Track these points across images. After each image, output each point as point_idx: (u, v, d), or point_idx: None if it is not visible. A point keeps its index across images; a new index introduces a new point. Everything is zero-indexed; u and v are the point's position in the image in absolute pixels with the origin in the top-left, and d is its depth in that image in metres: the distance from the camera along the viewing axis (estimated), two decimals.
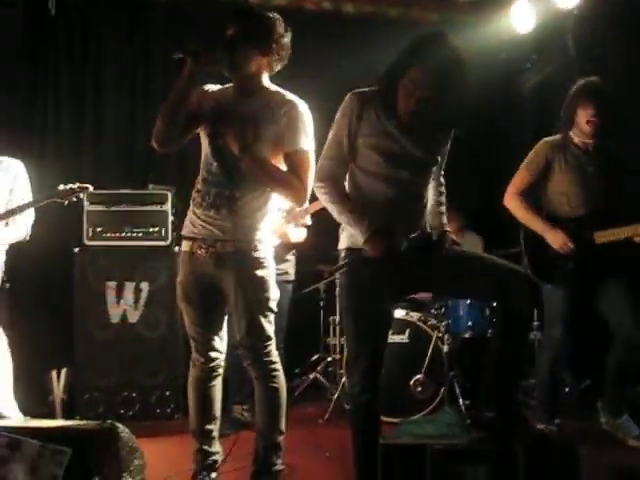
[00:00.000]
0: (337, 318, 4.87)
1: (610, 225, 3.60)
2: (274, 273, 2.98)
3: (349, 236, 2.81)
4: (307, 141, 2.86)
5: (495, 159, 5.38)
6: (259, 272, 2.87)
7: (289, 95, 2.91)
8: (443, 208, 2.97)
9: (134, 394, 4.38)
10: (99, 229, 4.48)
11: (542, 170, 3.80)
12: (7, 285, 3.89)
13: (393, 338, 4.38)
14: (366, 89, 2.76)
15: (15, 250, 4.01)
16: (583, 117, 3.72)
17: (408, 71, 2.60)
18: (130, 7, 5.37)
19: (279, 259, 4.27)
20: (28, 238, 3.99)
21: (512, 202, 3.84)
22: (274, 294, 2.95)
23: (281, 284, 4.24)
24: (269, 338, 2.94)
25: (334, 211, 2.73)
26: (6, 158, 4.02)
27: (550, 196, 3.82)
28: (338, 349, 4.92)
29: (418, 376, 4.31)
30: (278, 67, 2.94)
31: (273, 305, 2.94)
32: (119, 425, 2.72)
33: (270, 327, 2.94)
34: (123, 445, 2.70)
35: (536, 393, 4.03)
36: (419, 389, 4.30)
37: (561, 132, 3.83)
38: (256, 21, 2.87)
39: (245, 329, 2.87)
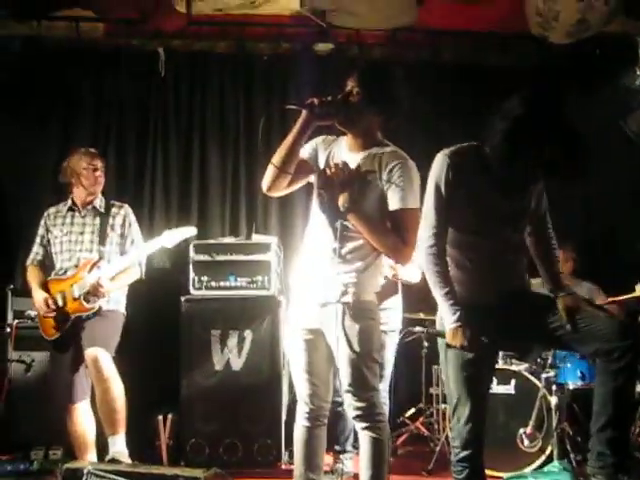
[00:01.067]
0: (439, 368, 4.78)
1: None
2: (379, 324, 2.98)
3: None
4: (413, 199, 2.83)
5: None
6: (362, 323, 2.87)
7: (398, 152, 2.90)
8: (555, 268, 2.92)
9: (237, 441, 4.41)
10: (204, 278, 4.60)
11: None
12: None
13: (498, 389, 4.27)
14: (461, 146, 2.77)
15: (127, 298, 4.20)
16: None
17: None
18: (233, 61, 5.58)
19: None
20: (144, 277, 4.18)
21: None
22: (378, 345, 2.94)
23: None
24: (374, 389, 2.92)
25: (433, 284, 2.74)
26: (117, 203, 4.24)
27: None
28: (441, 399, 4.83)
29: (525, 429, 4.16)
30: (392, 124, 2.94)
31: (377, 356, 2.92)
32: (223, 472, 2.76)
33: (374, 378, 2.92)
34: None
35: None
36: (526, 442, 4.15)
37: None
38: (380, 84, 2.86)
39: (349, 380, 2.86)
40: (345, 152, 2.95)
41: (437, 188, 2.73)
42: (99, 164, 4.15)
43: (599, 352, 2.63)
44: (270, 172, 2.91)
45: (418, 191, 2.85)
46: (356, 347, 2.82)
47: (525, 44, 5.38)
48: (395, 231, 2.83)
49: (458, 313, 2.67)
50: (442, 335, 2.78)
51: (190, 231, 4.14)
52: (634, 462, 3.11)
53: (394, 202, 2.82)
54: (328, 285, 2.86)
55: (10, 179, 5.32)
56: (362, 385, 2.86)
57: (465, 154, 2.75)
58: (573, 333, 2.68)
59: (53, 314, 3.94)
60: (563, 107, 2.64)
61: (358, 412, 2.88)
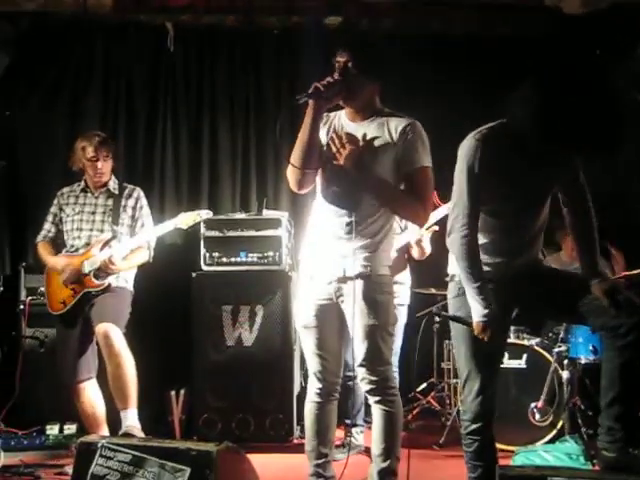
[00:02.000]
0: (451, 342, 4.78)
1: None
2: (393, 297, 3.00)
3: (453, 263, 2.82)
4: (427, 158, 2.87)
5: None
6: (380, 297, 2.88)
7: (404, 116, 2.92)
8: (592, 252, 2.80)
9: (249, 416, 4.44)
10: (215, 254, 4.61)
11: None
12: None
13: (510, 363, 4.27)
14: (490, 127, 2.70)
15: (138, 275, 4.22)
16: None
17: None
18: (242, 35, 5.53)
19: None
20: (151, 260, 4.20)
21: None
22: (394, 318, 2.96)
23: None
24: (388, 362, 2.93)
25: (465, 276, 2.69)
26: (129, 186, 4.27)
27: None
28: (452, 374, 4.84)
29: (537, 403, 4.16)
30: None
31: (392, 329, 2.94)
32: (236, 446, 2.78)
33: (389, 351, 2.93)
34: (239, 466, 2.75)
35: None
36: (537, 416, 4.16)
37: None
38: (370, 51, 2.89)
39: (364, 353, 2.87)
40: (348, 124, 2.95)
41: (470, 173, 2.63)
42: (101, 154, 4.09)
43: (605, 327, 2.61)
44: (294, 174, 2.90)
45: (429, 150, 2.89)
46: (374, 320, 2.85)
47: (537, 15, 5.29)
48: (411, 192, 2.86)
49: (488, 309, 2.64)
50: (457, 320, 2.78)
51: (205, 213, 4.13)
52: None
53: (411, 162, 2.84)
54: (346, 260, 2.87)
55: (21, 160, 5.31)
56: (378, 358, 2.88)
57: (496, 136, 2.66)
58: (584, 306, 2.66)
59: (71, 280, 3.97)
60: (597, 74, 2.57)
61: (372, 386, 2.89)
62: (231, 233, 4.63)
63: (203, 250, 4.61)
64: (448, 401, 4.93)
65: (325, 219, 2.96)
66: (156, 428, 4.19)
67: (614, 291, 2.63)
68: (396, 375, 3.89)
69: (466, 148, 2.67)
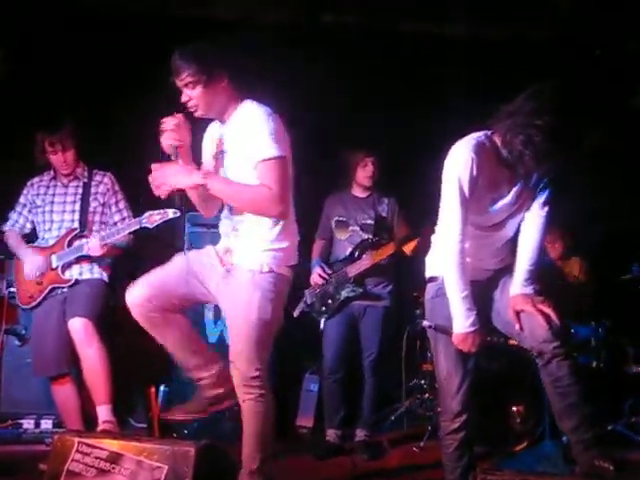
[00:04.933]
0: None
1: None
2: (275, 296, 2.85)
3: (434, 265, 2.85)
4: (271, 148, 2.71)
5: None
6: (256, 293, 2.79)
7: (248, 103, 2.84)
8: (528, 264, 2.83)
9: (226, 415, 4.41)
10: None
11: None
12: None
13: (490, 365, 4.27)
14: (478, 135, 2.70)
15: (121, 269, 4.17)
16: None
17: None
18: None
19: (377, 281, 4.26)
20: (129, 248, 4.11)
21: None
22: (267, 315, 2.81)
23: (377, 308, 4.24)
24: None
25: (452, 284, 2.71)
26: (99, 172, 4.15)
27: None
28: (433, 375, 4.82)
29: (517, 406, 4.16)
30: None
31: (266, 328, 2.81)
32: (215, 443, 2.76)
33: (262, 351, 2.81)
34: (218, 464, 2.73)
35: None
36: (518, 420, 4.16)
37: None
38: (203, 54, 2.78)
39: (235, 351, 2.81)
40: (219, 129, 2.93)
41: (461, 184, 2.64)
42: (59, 146, 3.99)
43: (534, 350, 2.68)
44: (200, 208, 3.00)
45: (278, 138, 2.73)
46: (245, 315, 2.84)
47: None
48: (262, 184, 2.73)
49: (472, 318, 2.67)
50: (439, 330, 2.80)
51: (172, 212, 4.05)
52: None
53: (255, 154, 2.73)
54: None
55: None
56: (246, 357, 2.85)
57: (485, 146, 2.67)
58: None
59: (38, 274, 3.92)
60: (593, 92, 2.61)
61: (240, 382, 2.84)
62: (215, 230, 4.58)
63: (186, 246, 4.58)
64: (429, 404, 4.91)
65: None
66: (135, 425, 4.16)
67: (520, 311, 2.73)
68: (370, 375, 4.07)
69: (456, 157, 2.67)
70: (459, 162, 2.65)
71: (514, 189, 2.73)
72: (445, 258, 2.74)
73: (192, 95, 2.77)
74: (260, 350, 2.78)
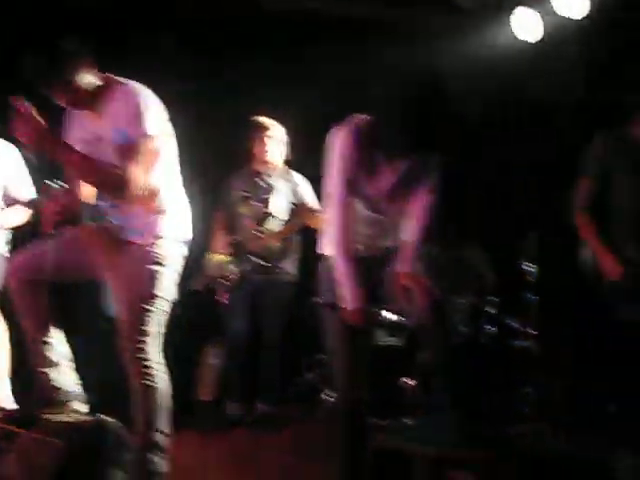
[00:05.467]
0: None
1: None
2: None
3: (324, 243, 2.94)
4: (134, 127, 2.62)
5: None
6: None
7: (113, 80, 2.73)
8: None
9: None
10: None
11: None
12: None
13: (388, 340, 4.38)
14: (361, 120, 2.77)
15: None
16: None
17: None
18: None
19: (280, 256, 4.31)
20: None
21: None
22: (161, 291, 2.79)
23: (281, 283, 4.29)
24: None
25: (338, 261, 2.78)
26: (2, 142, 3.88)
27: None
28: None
29: (410, 380, 4.30)
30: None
31: (159, 303, 2.79)
32: (109, 419, 2.75)
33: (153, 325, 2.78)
34: (112, 439, 2.73)
35: None
36: (410, 393, 4.30)
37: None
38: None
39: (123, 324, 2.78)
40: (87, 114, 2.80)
41: (346, 161, 2.73)
42: None
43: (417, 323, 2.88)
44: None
45: (144, 115, 2.63)
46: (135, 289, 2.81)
47: None
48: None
49: (359, 294, 2.74)
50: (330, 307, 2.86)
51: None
52: None
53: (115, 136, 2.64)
54: None
55: None
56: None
57: (365, 128, 2.74)
58: None
59: None
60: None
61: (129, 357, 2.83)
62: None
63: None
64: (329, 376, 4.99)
65: None
66: (34, 403, 4.04)
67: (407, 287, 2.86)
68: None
69: (340, 137, 2.74)
70: (341, 142, 2.75)
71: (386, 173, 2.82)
72: (332, 230, 2.81)
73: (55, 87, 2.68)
74: (151, 323, 2.75)
